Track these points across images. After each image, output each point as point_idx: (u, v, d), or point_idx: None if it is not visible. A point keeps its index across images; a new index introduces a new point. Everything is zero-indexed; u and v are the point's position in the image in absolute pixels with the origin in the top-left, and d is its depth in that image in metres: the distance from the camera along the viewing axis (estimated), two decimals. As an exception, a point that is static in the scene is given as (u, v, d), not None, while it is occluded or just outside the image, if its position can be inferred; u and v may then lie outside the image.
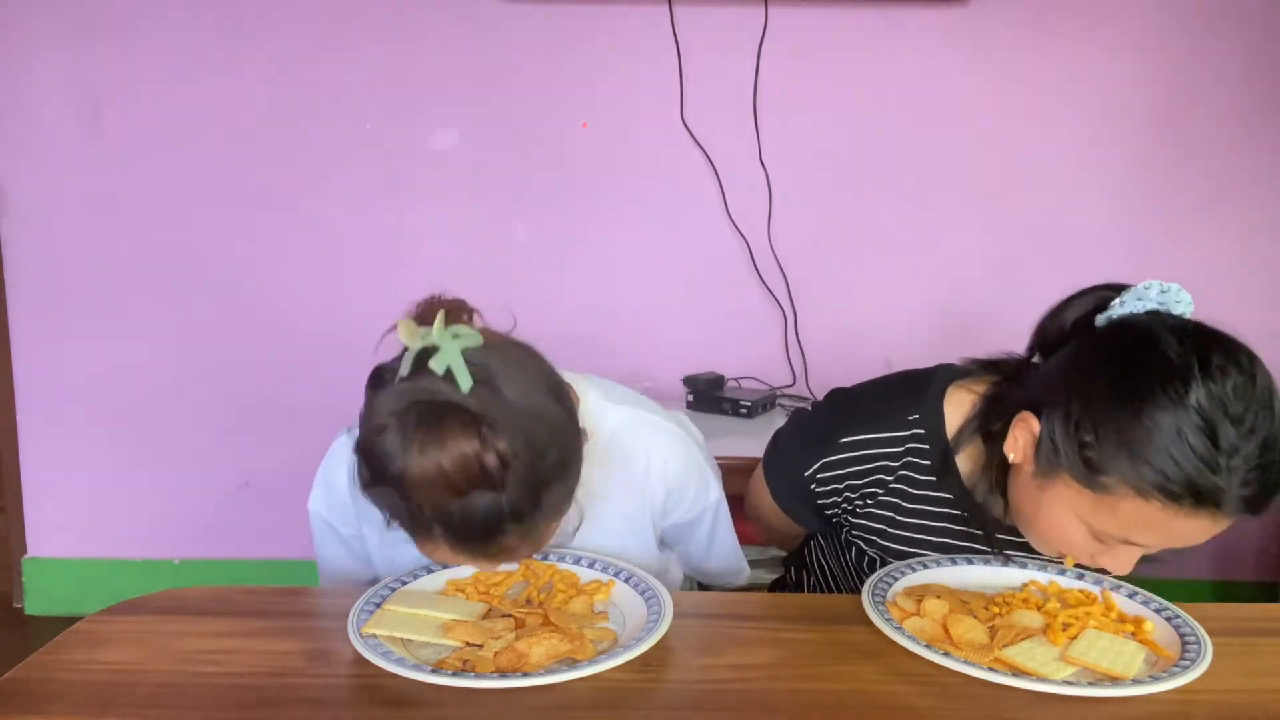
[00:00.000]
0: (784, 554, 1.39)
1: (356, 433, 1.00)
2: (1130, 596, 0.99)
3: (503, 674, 0.80)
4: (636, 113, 2.26)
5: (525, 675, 0.80)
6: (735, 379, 2.28)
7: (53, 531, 2.47)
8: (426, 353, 0.83)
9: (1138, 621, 0.94)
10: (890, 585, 0.99)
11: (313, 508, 1.09)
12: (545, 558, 1.02)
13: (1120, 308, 0.93)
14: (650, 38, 2.21)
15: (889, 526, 1.11)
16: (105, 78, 2.24)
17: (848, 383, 1.20)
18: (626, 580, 0.97)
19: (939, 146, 2.27)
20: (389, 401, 0.82)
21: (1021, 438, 0.95)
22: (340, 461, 1.05)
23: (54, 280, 2.33)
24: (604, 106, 2.26)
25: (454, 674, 0.79)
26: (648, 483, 1.07)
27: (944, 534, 1.10)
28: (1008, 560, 1.06)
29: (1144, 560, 0.95)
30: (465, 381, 0.81)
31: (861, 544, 1.15)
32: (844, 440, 1.10)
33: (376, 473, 0.82)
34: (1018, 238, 2.29)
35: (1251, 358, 0.87)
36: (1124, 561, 0.92)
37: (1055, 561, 1.05)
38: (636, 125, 2.27)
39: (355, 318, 2.34)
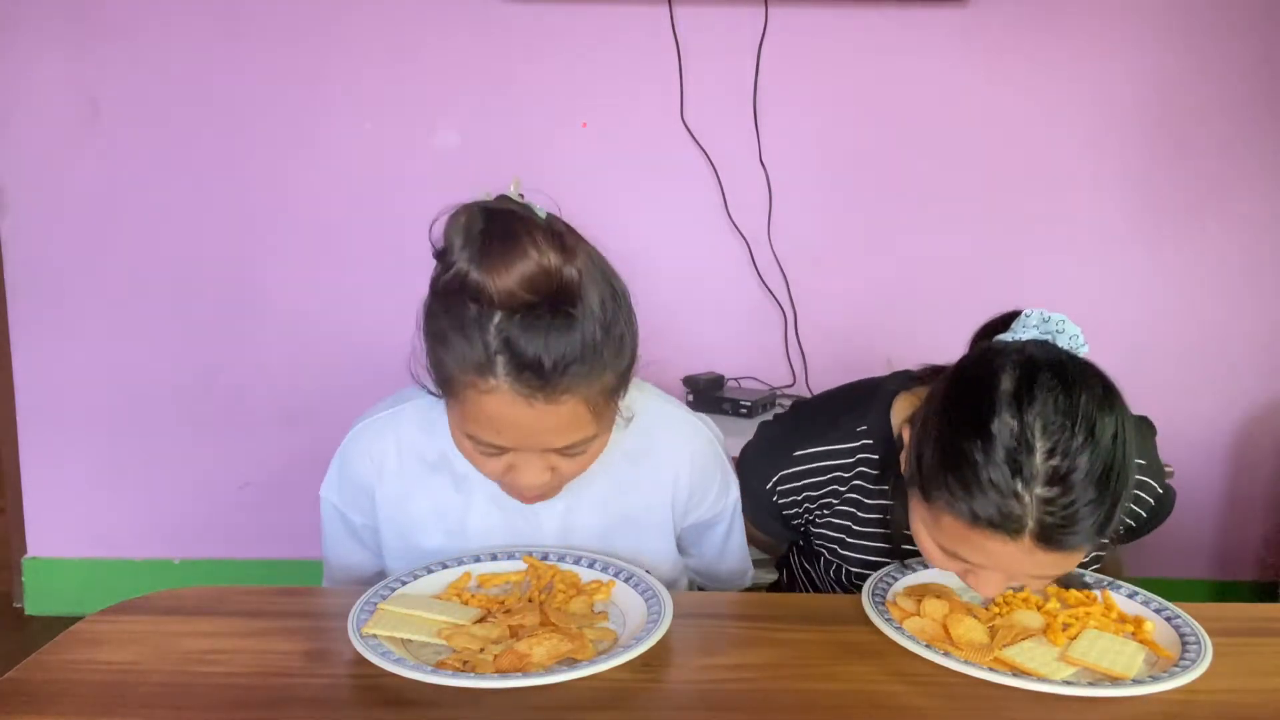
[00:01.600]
0: (777, 563, 1.40)
1: (377, 416, 1.04)
2: (1130, 596, 0.99)
3: (503, 674, 0.80)
4: (636, 113, 2.26)
5: (526, 675, 0.80)
6: (735, 379, 2.28)
7: (53, 531, 2.47)
8: (501, 197, 0.85)
9: (1138, 621, 0.94)
10: (890, 585, 0.99)
11: (324, 494, 1.09)
12: (545, 558, 1.02)
13: (1007, 335, 0.93)
14: (650, 38, 2.21)
15: (847, 535, 1.13)
16: (105, 78, 2.24)
17: (847, 383, 1.21)
18: (626, 580, 0.97)
19: (939, 146, 2.27)
20: (464, 214, 0.82)
21: (904, 450, 0.97)
22: (358, 450, 1.05)
23: (54, 280, 2.33)
24: (604, 106, 2.26)
25: (454, 674, 0.79)
26: (673, 475, 1.07)
27: (904, 539, 1.09)
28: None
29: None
30: (541, 213, 0.83)
31: (826, 553, 1.17)
32: (798, 453, 1.12)
33: (445, 289, 0.81)
34: (1018, 237, 2.29)
35: (1086, 388, 0.84)
36: (985, 585, 0.90)
37: None
38: (636, 125, 2.27)
39: (355, 317, 2.35)
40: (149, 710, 0.77)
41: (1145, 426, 1.14)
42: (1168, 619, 0.94)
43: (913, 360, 1.21)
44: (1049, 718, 0.79)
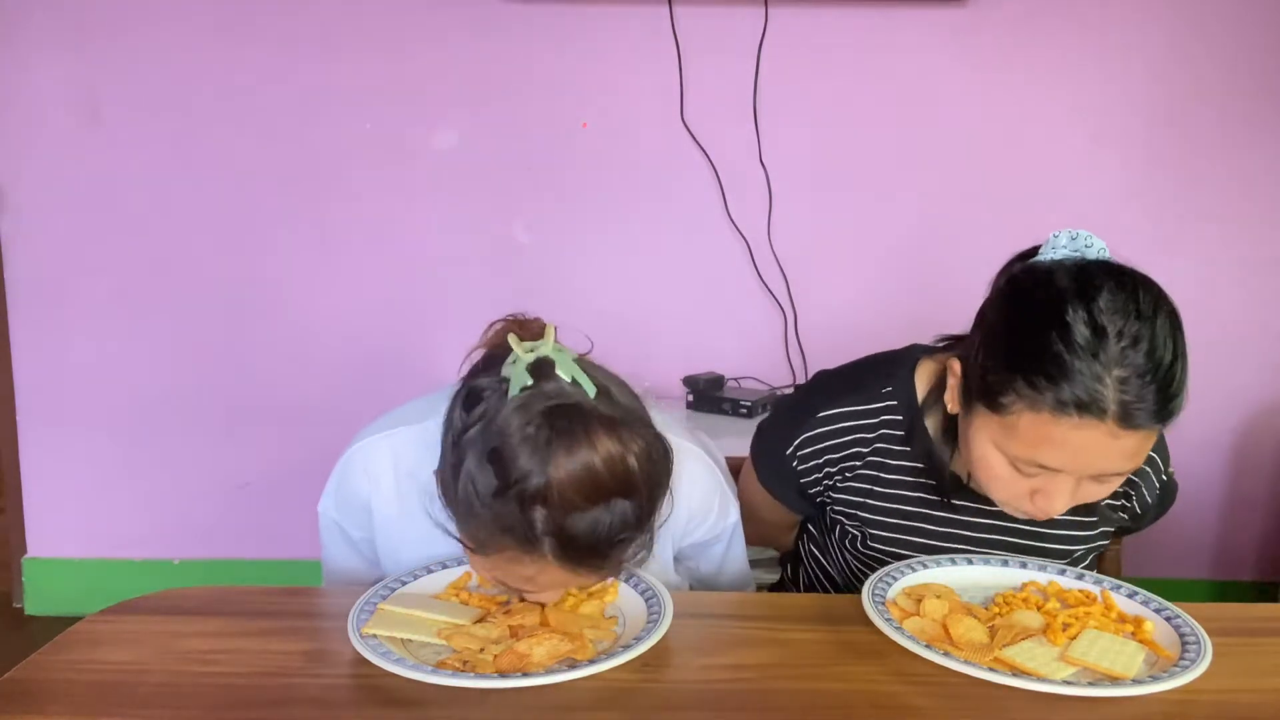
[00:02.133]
0: (778, 554, 1.40)
1: (377, 436, 1.02)
2: (1130, 596, 0.99)
3: (503, 674, 0.80)
4: (636, 113, 2.26)
5: (526, 675, 0.80)
6: (735, 379, 2.28)
7: (53, 531, 2.47)
8: (541, 364, 0.82)
9: (1138, 621, 0.94)
10: (890, 585, 0.99)
11: (322, 509, 1.09)
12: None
13: (1037, 259, 0.98)
14: (650, 38, 2.21)
15: (868, 499, 1.14)
16: (105, 78, 2.24)
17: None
18: (626, 580, 0.97)
19: (939, 146, 2.27)
20: (519, 416, 0.80)
21: (951, 384, 1.01)
22: (357, 470, 1.05)
23: (54, 280, 2.33)
24: (604, 106, 2.26)
25: (454, 674, 0.79)
26: (671, 502, 1.06)
27: (921, 504, 1.12)
28: (1005, 560, 1.06)
29: (1099, 516, 1.00)
30: (591, 388, 0.82)
31: (844, 520, 1.17)
32: (821, 414, 1.14)
33: (499, 489, 0.79)
34: (1017, 237, 2.28)
35: (1138, 281, 0.91)
36: (1056, 495, 0.92)
37: (1023, 529, 1.09)
38: (636, 125, 2.27)
39: (355, 317, 2.35)
40: (149, 710, 0.77)
41: None
42: (1168, 619, 0.94)
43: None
44: (1049, 718, 0.79)
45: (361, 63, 2.24)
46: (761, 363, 2.33)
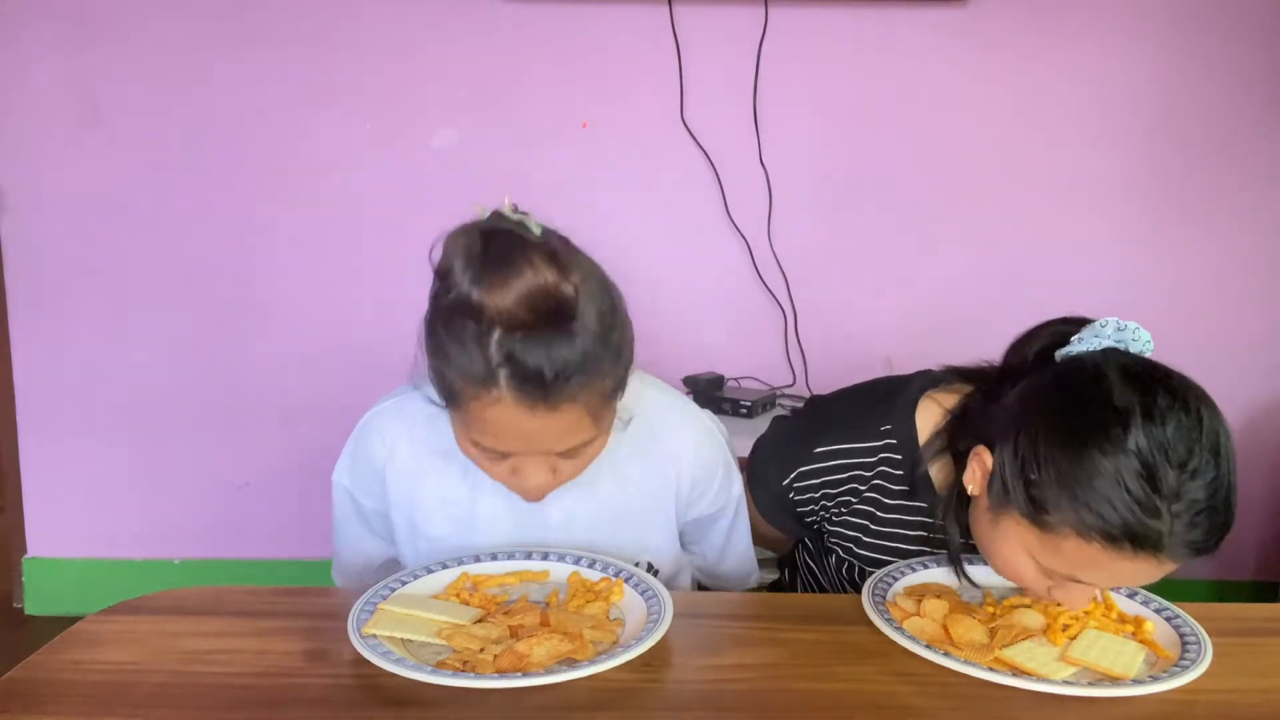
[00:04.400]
0: (776, 555, 1.40)
1: (390, 401, 1.07)
2: (1130, 596, 0.99)
3: (503, 674, 0.80)
4: (636, 113, 2.26)
5: (525, 675, 0.80)
6: (735, 379, 2.28)
7: (53, 531, 2.47)
8: (496, 214, 0.88)
9: (1138, 621, 0.94)
10: (890, 585, 0.99)
11: (336, 477, 1.10)
12: (546, 557, 1.02)
13: (1078, 344, 0.93)
14: (650, 38, 2.21)
15: (864, 535, 1.13)
16: (105, 78, 2.24)
17: (847, 383, 1.21)
18: (627, 580, 0.97)
19: (938, 146, 2.27)
20: (463, 236, 0.85)
21: (978, 471, 0.96)
22: (373, 433, 1.07)
23: (54, 280, 2.33)
24: (604, 106, 2.26)
25: (454, 674, 0.79)
26: (676, 467, 1.08)
27: (918, 542, 1.10)
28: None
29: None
30: (537, 228, 0.86)
31: (839, 551, 1.16)
32: (818, 450, 1.12)
33: (448, 308, 0.84)
34: (1017, 238, 2.29)
35: (1200, 399, 0.86)
36: (1078, 598, 0.91)
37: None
38: (636, 125, 2.27)
39: (355, 318, 2.35)
40: (149, 710, 0.77)
41: None
42: (1168, 619, 0.94)
43: (913, 360, 1.21)
44: (1049, 718, 0.79)
45: (361, 63, 2.24)
46: (761, 363, 2.33)
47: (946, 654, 0.84)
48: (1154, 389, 0.85)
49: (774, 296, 2.31)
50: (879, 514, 1.11)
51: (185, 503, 2.44)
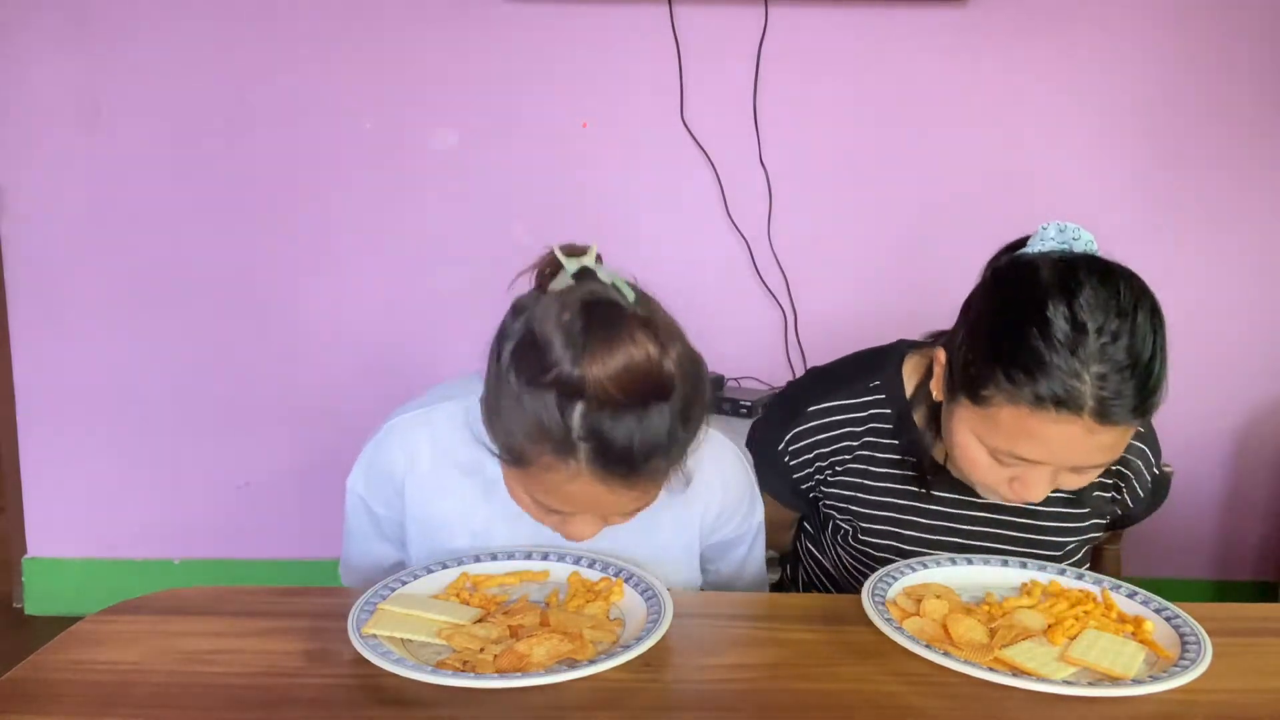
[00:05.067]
0: (778, 554, 1.40)
1: (415, 412, 1.04)
2: (1130, 596, 0.99)
3: (503, 674, 0.80)
4: (636, 113, 2.26)
5: (526, 675, 0.80)
6: (735, 379, 2.28)
7: (53, 531, 2.47)
8: (584, 272, 0.84)
9: (1138, 621, 0.94)
10: (890, 585, 0.99)
11: (351, 484, 1.09)
12: (546, 558, 1.02)
13: (1027, 248, 0.99)
14: (650, 38, 2.21)
15: (859, 493, 1.15)
16: (105, 78, 2.24)
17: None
18: (627, 580, 0.97)
19: (938, 146, 2.27)
20: (556, 305, 0.80)
21: (936, 372, 1.03)
22: (394, 444, 1.05)
23: (54, 280, 2.33)
24: (604, 106, 2.26)
25: (454, 674, 0.79)
26: (704, 499, 1.07)
27: (912, 497, 1.13)
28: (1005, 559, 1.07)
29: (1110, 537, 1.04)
30: (630, 294, 0.83)
31: (836, 515, 1.18)
32: (811, 409, 1.15)
33: (533, 377, 0.80)
34: (1017, 237, 2.29)
35: (1126, 276, 0.92)
36: (1033, 486, 0.94)
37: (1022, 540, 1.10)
38: (636, 125, 2.27)
39: (355, 317, 2.35)
40: (149, 710, 0.77)
41: None
42: (1168, 619, 0.94)
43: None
44: (1049, 718, 0.79)
45: (361, 63, 2.24)
46: (761, 363, 2.33)
47: (946, 654, 0.84)
48: (1076, 267, 0.92)
49: (774, 296, 2.31)
50: (872, 469, 1.14)
51: (185, 503, 2.44)
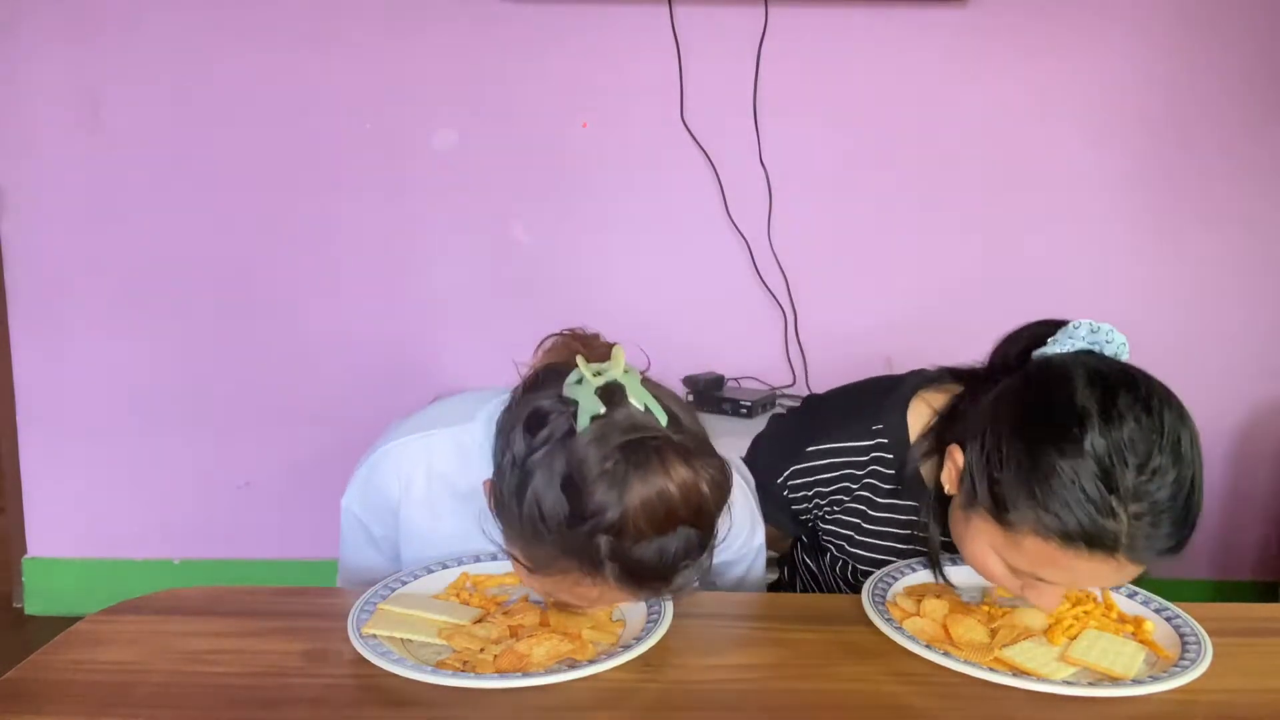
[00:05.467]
0: (777, 555, 1.40)
1: (410, 437, 1.01)
2: (1130, 596, 0.99)
3: (503, 674, 0.80)
4: (636, 113, 2.26)
5: (526, 675, 0.80)
6: (735, 379, 2.28)
7: (53, 531, 2.47)
8: (611, 390, 0.81)
9: (1138, 621, 0.94)
10: (890, 585, 0.99)
11: (346, 504, 1.08)
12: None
13: (1052, 346, 0.94)
14: (650, 38, 2.21)
15: (855, 533, 1.13)
16: (105, 77, 2.24)
17: (847, 383, 1.21)
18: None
19: (938, 146, 2.26)
20: (594, 445, 0.78)
21: (951, 469, 0.96)
22: (387, 469, 1.04)
23: (54, 280, 2.33)
24: (604, 106, 2.26)
25: (454, 674, 0.79)
26: (730, 524, 1.05)
27: (909, 541, 1.11)
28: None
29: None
30: (663, 416, 0.80)
31: (833, 549, 1.17)
32: (811, 449, 1.12)
33: (572, 522, 0.77)
34: (1017, 237, 2.29)
35: (1164, 400, 0.87)
36: (1048, 598, 0.91)
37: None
38: (636, 125, 2.27)
39: (355, 317, 2.35)
40: (149, 710, 0.77)
41: None
42: (1168, 619, 0.94)
43: (912, 360, 1.21)
44: (1049, 718, 0.79)
45: (361, 63, 2.24)
46: (761, 363, 2.33)
47: (946, 654, 0.84)
48: (1116, 390, 0.86)
49: (774, 296, 2.31)
50: (871, 513, 1.12)
51: (185, 503, 2.44)
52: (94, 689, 0.80)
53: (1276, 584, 2.45)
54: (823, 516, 1.16)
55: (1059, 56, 2.22)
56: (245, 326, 2.35)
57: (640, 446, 0.78)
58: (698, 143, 2.25)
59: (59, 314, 2.35)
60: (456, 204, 2.30)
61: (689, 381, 2.18)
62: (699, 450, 0.81)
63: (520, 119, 2.26)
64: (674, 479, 0.77)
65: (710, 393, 2.15)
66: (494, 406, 0.94)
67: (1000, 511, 0.88)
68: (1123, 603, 0.98)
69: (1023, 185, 2.28)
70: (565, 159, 2.28)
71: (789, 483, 1.14)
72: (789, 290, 2.31)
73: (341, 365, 2.36)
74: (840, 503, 1.13)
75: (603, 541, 0.77)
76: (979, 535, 0.92)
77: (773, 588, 1.39)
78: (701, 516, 0.80)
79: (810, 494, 1.14)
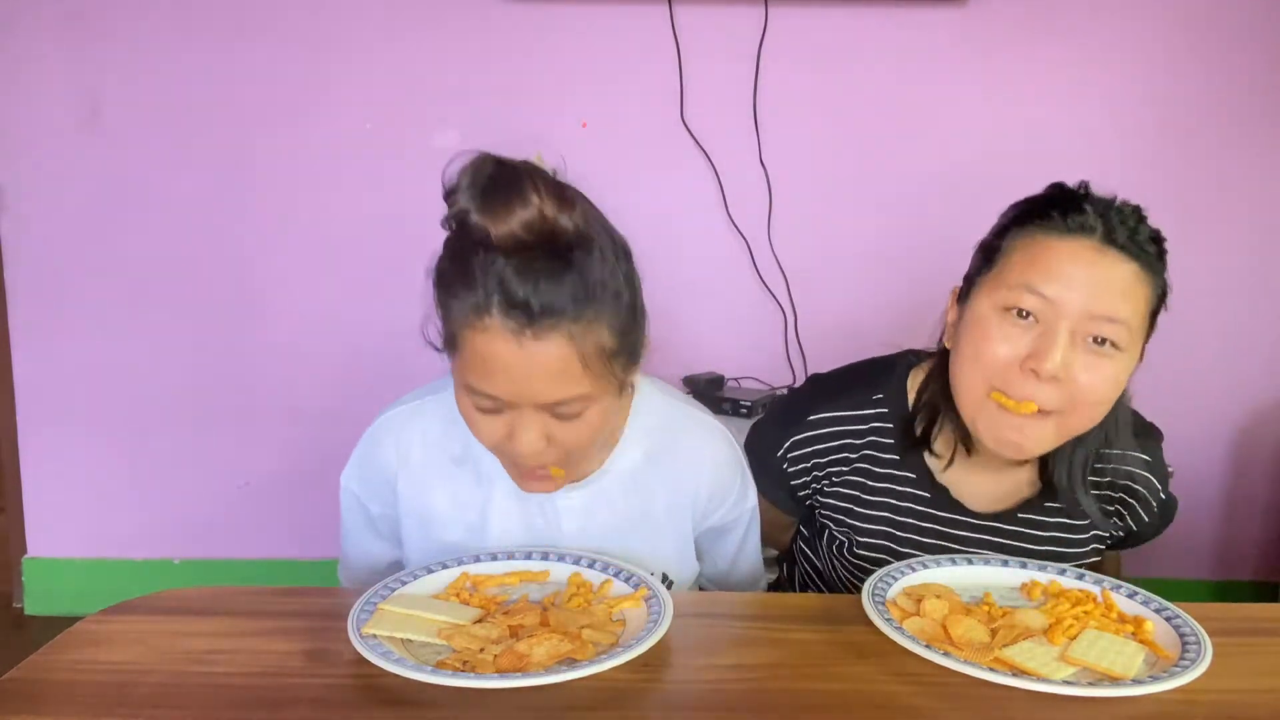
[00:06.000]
0: (777, 553, 1.40)
1: (405, 405, 1.07)
2: (1130, 596, 0.99)
3: (503, 674, 0.80)
4: (636, 113, 2.26)
5: (526, 675, 0.79)
6: (735, 379, 2.28)
7: (53, 531, 2.47)
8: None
9: (1138, 621, 0.94)
10: (890, 585, 0.99)
11: (344, 481, 1.10)
12: (545, 558, 1.02)
13: None
14: (650, 38, 2.21)
15: (855, 505, 1.15)
16: (105, 77, 2.24)
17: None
18: (626, 580, 0.97)
19: (939, 146, 2.26)
20: (475, 163, 0.89)
21: (949, 314, 1.09)
22: (384, 439, 1.06)
23: (54, 280, 2.33)
24: (604, 106, 2.26)
25: (454, 674, 0.79)
26: (695, 479, 1.08)
27: (909, 514, 1.13)
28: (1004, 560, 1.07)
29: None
30: (547, 167, 0.90)
31: (831, 526, 1.18)
32: (811, 418, 1.15)
33: (454, 236, 0.88)
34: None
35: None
36: (1050, 348, 0.94)
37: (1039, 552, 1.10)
38: (636, 125, 2.27)
39: (355, 317, 2.35)
40: (149, 710, 0.77)
41: (1152, 433, 1.17)
42: (1168, 619, 0.94)
43: (913, 360, 1.21)
44: (1049, 718, 0.79)
45: (361, 63, 2.24)
46: (761, 363, 2.33)
47: (946, 654, 0.84)
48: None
49: (774, 296, 2.31)
50: (870, 484, 1.14)
51: (185, 503, 2.44)
52: (94, 689, 0.80)
53: (1276, 584, 2.46)
54: (822, 490, 1.17)
55: (1059, 56, 2.22)
56: (245, 326, 2.36)
57: (512, 165, 0.89)
58: (698, 143, 2.25)
59: (59, 313, 2.35)
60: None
61: (689, 381, 2.18)
62: (578, 204, 0.88)
63: (520, 119, 2.26)
64: (539, 197, 0.85)
65: (710, 393, 2.16)
66: None
67: (992, 253, 1.02)
68: (1123, 603, 0.98)
69: (1023, 185, 2.27)
70: (565, 159, 2.27)
71: (789, 454, 1.16)
72: (789, 290, 2.31)
73: (342, 365, 2.36)
74: (839, 473, 1.15)
75: (490, 273, 0.84)
76: (977, 311, 1.00)
77: (773, 586, 1.39)
78: (569, 249, 0.86)
79: (809, 465, 1.15)
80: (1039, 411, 0.97)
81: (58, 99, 2.25)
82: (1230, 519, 2.45)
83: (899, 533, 1.13)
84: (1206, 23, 2.20)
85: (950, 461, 1.11)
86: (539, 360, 0.85)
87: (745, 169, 2.26)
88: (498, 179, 0.86)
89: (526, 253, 0.84)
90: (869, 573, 1.07)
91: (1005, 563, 1.05)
